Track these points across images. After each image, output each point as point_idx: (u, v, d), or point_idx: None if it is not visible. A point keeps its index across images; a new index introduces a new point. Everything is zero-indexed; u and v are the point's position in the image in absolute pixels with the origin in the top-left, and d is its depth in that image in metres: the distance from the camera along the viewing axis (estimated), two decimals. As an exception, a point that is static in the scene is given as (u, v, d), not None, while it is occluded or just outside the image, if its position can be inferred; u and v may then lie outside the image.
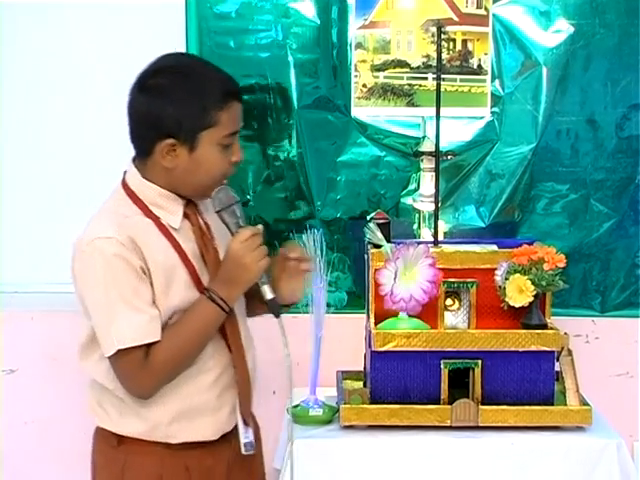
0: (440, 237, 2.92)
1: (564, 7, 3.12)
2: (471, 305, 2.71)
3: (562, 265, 2.66)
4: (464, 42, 3.12)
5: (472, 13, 3.12)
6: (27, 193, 3.24)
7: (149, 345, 2.27)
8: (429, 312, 2.68)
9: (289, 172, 3.17)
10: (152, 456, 2.36)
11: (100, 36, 3.17)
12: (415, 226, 3.13)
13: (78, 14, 3.17)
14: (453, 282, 2.70)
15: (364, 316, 2.80)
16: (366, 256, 2.76)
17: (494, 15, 3.12)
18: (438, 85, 2.86)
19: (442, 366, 2.64)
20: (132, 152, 2.31)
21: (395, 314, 2.67)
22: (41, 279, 2.98)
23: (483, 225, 3.18)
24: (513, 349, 2.64)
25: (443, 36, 2.97)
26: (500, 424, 2.64)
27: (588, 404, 2.68)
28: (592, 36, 3.13)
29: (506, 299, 2.65)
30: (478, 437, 2.63)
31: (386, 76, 3.13)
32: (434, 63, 2.96)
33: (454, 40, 3.12)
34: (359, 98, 3.14)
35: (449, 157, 3.03)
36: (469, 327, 2.71)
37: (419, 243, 2.70)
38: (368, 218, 2.83)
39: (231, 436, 2.40)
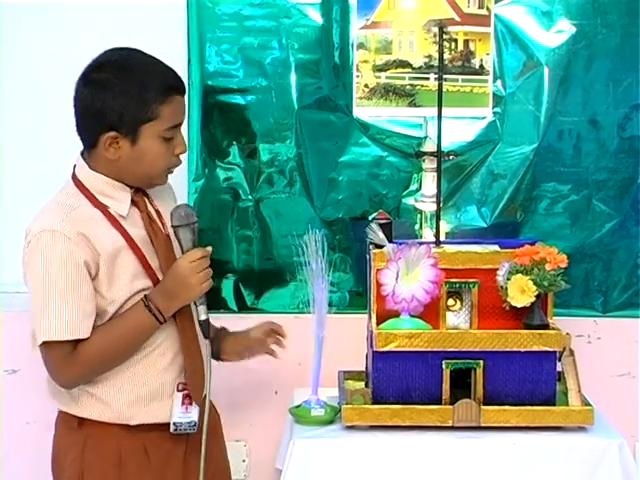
0: (442, 237, 2.91)
1: (566, 7, 3.12)
2: (473, 305, 2.71)
3: (564, 265, 2.66)
4: (466, 42, 3.12)
5: (474, 13, 3.11)
6: (29, 193, 3.24)
7: (78, 340, 2.38)
8: (431, 312, 2.68)
9: (290, 172, 3.17)
10: (111, 437, 2.47)
11: (101, 36, 3.15)
12: (417, 226, 3.13)
13: (79, 14, 3.16)
14: (455, 282, 2.70)
15: (366, 316, 2.80)
16: (368, 256, 2.76)
17: (496, 15, 3.12)
18: (440, 85, 2.86)
19: (444, 366, 2.64)
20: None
21: (397, 314, 2.67)
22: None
23: (485, 225, 3.18)
24: (515, 349, 2.64)
25: (445, 36, 2.97)
26: (502, 424, 2.64)
27: (590, 404, 2.68)
28: (594, 36, 3.13)
29: (508, 299, 2.65)
30: (480, 437, 2.63)
31: (388, 76, 3.13)
32: (436, 63, 2.96)
33: (456, 40, 3.12)
34: (361, 98, 3.14)
35: (451, 157, 3.03)
36: (471, 327, 2.71)
37: (421, 243, 2.71)
38: (370, 218, 2.84)
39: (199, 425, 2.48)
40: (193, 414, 2.49)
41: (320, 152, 3.16)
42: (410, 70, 3.12)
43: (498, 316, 2.70)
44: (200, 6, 3.12)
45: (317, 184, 3.17)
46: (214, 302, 2.82)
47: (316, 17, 3.13)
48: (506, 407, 2.64)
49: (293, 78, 3.14)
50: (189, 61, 3.13)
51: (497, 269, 2.68)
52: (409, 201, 3.16)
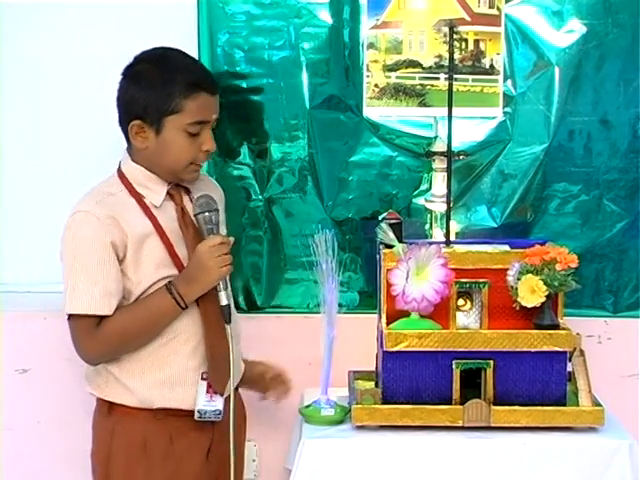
0: (452, 237, 2.91)
1: (577, 7, 3.11)
2: (483, 305, 2.71)
3: (574, 265, 2.65)
4: (476, 42, 3.12)
5: (484, 13, 3.11)
6: (29, 193, 3.24)
7: (103, 318, 2.50)
8: (441, 312, 2.68)
9: (300, 172, 3.17)
10: (137, 423, 2.57)
11: (111, 36, 3.17)
12: (427, 226, 3.12)
13: (88, 14, 3.17)
14: (465, 282, 2.70)
15: (376, 316, 2.80)
16: (378, 256, 2.76)
17: (506, 15, 3.12)
18: (450, 85, 2.85)
19: (454, 366, 2.64)
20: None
21: (407, 314, 2.67)
22: (54, 279, 2.97)
23: (495, 225, 3.17)
24: (525, 349, 2.63)
25: (455, 36, 2.97)
26: (512, 424, 2.63)
27: (600, 405, 2.68)
28: (605, 36, 3.12)
29: (518, 299, 2.65)
30: (490, 437, 2.63)
31: (398, 76, 3.13)
32: (446, 63, 2.96)
33: (466, 40, 3.11)
34: (371, 98, 3.14)
35: (461, 157, 3.03)
36: (481, 327, 2.71)
37: (431, 243, 2.71)
38: (380, 218, 2.83)
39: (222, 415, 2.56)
40: (218, 403, 2.56)
41: (330, 152, 3.16)
42: (420, 70, 3.12)
43: (508, 316, 2.70)
44: (210, 6, 3.12)
45: (327, 184, 3.17)
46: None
47: (326, 17, 3.13)
48: (516, 407, 2.64)
49: (303, 78, 3.14)
50: (200, 61, 3.13)
51: (507, 269, 2.67)
52: (419, 201, 3.16)
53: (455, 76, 2.92)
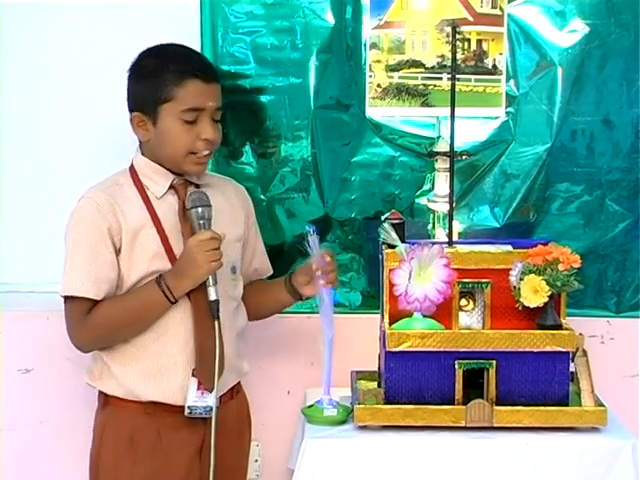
0: (455, 237, 2.91)
1: (579, 7, 3.11)
2: (486, 305, 2.71)
3: (577, 265, 2.65)
4: (479, 42, 3.12)
5: (487, 13, 3.11)
6: (29, 193, 3.24)
7: (96, 303, 2.54)
8: (443, 312, 2.68)
9: (303, 172, 3.17)
10: (126, 415, 2.59)
11: (113, 36, 3.17)
12: (429, 226, 3.12)
13: (89, 14, 3.17)
14: (467, 282, 2.70)
15: (378, 316, 2.80)
16: (380, 256, 2.76)
17: (509, 15, 3.12)
18: (453, 85, 2.85)
19: (456, 366, 2.64)
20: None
21: (409, 314, 2.67)
22: (56, 279, 2.97)
23: (498, 225, 3.17)
24: (528, 350, 2.63)
25: (458, 36, 2.97)
26: (515, 425, 2.63)
27: (603, 405, 2.68)
28: (608, 36, 3.12)
29: (521, 299, 2.64)
30: (493, 437, 2.63)
31: (401, 76, 3.13)
32: (449, 63, 2.96)
33: (469, 40, 3.11)
34: (374, 98, 3.14)
35: (464, 157, 3.02)
36: (483, 327, 2.71)
37: (433, 243, 2.70)
38: (382, 218, 2.83)
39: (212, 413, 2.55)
40: (209, 399, 2.55)
41: (333, 152, 3.17)
42: (423, 70, 3.12)
43: (511, 316, 2.70)
44: (213, 6, 3.13)
45: (330, 184, 3.17)
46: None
47: (329, 17, 3.13)
48: (519, 407, 2.64)
49: (306, 78, 3.14)
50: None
51: (510, 269, 2.67)
52: (422, 201, 3.16)
53: (458, 76, 2.92)
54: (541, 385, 2.66)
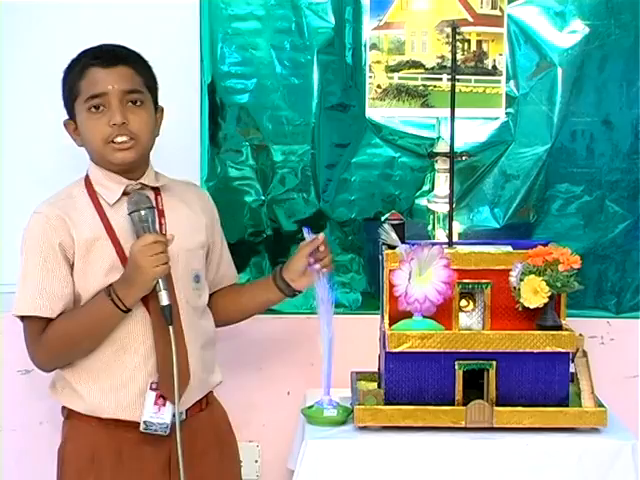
0: (454, 238, 2.91)
1: (579, 8, 3.11)
2: (485, 306, 2.71)
3: (577, 266, 2.65)
4: (479, 43, 3.12)
5: (487, 14, 3.11)
6: (29, 193, 3.22)
7: (50, 321, 2.47)
8: (443, 313, 2.68)
9: (303, 173, 3.17)
10: (86, 431, 2.53)
11: (111, 36, 3.15)
12: (429, 227, 3.12)
13: (91, 14, 3.16)
14: (467, 283, 2.70)
15: (378, 317, 2.80)
16: (380, 257, 2.76)
17: (509, 16, 3.12)
18: (453, 86, 2.85)
19: (456, 367, 2.64)
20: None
21: (409, 315, 2.67)
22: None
23: (498, 226, 3.17)
24: (528, 350, 2.63)
25: (458, 37, 2.97)
26: (515, 425, 2.63)
27: (603, 405, 2.68)
28: (607, 37, 3.12)
29: (521, 300, 2.64)
30: (493, 438, 2.63)
31: (401, 77, 3.13)
32: (449, 64, 2.96)
33: (469, 41, 3.11)
34: (373, 99, 3.14)
35: (464, 158, 3.02)
36: (483, 328, 2.71)
37: (433, 244, 2.70)
38: (382, 219, 2.83)
39: (182, 426, 2.47)
40: (166, 416, 2.47)
41: (333, 153, 3.16)
42: (423, 71, 3.12)
43: (511, 317, 2.70)
44: (212, 7, 3.12)
45: (330, 185, 3.17)
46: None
47: (329, 17, 3.12)
48: (519, 408, 2.64)
49: (306, 79, 3.14)
50: (201, 61, 3.13)
51: (510, 270, 2.67)
52: (422, 202, 3.16)
53: (458, 77, 2.92)
54: (541, 386, 2.66)
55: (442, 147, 3.01)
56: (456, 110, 2.85)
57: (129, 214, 2.48)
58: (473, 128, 3.14)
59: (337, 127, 3.16)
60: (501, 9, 3.11)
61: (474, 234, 3.14)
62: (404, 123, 3.15)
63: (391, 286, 2.66)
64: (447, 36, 3.05)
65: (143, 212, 2.46)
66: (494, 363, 2.64)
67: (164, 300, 2.45)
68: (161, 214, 2.56)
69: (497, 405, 2.64)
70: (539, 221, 3.18)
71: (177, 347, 2.44)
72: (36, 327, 2.50)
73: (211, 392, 2.68)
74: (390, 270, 2.67)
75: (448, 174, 2.91)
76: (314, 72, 3.14)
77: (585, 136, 3.16)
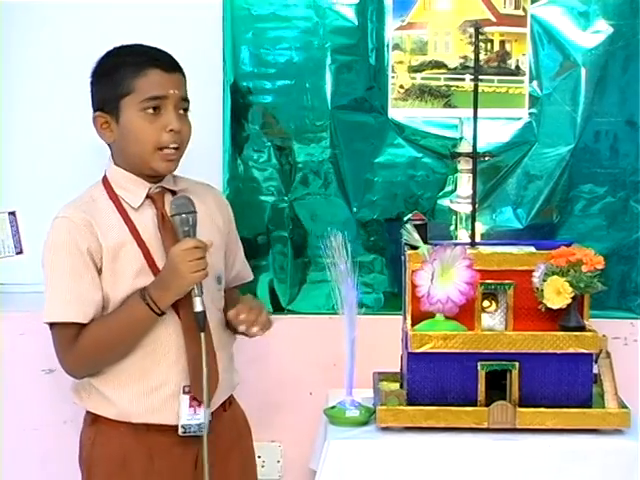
0: (477, 238, 2.90)
1: (603, 7, 3.10)
2: (508, 307, 2.70)
3: (600, 267, 2.64)
4: (502, 43, 3.11)
5: (510, 14, 3.10)
6: (28, 194, 3.25)
7: (84, 327, 2.43)
8: (466, 314, 2.67)
9: (325, 173, 3.17)
10: (116, 437, 2.50)
11: (136, 36, 3.17)
12: (452, 227, 3.12)
13: (114, 13, 3.18)
14: (490, 284, 2.69)
15: (401, 317, 2.79)
16: (403, 257, 2.76)
17: (532, 16, 3.11)
18: (476, 86, 2.85)
19: (479, 368, 2.64)
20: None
21: (432, 315, 2.66)
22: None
23: (520, 226, 3.17)
24: (551, 351, 2.62)
25: (481, 37, 2.96)
26: (537, 426, 2.62)
27: (627, 407, 2.67)
28: (632, 37, 3.11)
29: (544, 301, 2.64)
30: (515, 439, 2.62)
31: (423, 77, 3.12)
32: (471, 64, 2.96)
33: (492, 41, 3.11)
34: (396, 99, 3.14)
35: (486, 158, 3.02)
36: (506, 329, 2.70)
37: (456, 244, 2.70)
38: (405, 219, 2.83)
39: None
40: (201, 416, 2.47)
41: (355, 153, 3.17)
42: (445, 71, 3.12)
43: (534, 318, 2.69)
44: (235, 7, 3.13)
45: (352, 185, 3.17)
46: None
47: (352, 18, 3.13)
48: (542, 409, 2.63)
49: (328, 79, 3.14)
50: (224, 62, 3.14)
51: (533, 270, 2.66)
52: (444, 202, 3.16)
53: (480, 77, 2.91)
54: (564, 387, 2.65)
55: (465, 147, 3.01)
56: (479, 110, 2.84)
57: (171, 216, 2.45)
58: (496, 128, 3.13)
59: (360, 127, 3.16)
60: (524, 9, 3.10)
61: (497, 234, 3.13)
62: (427, 123, 3.15)
63: (413, 286, 2.66)
64: (470, 36, 3.05)
65: (185, 215, 2.43)
66: (517, 364, 2.64)
67: (198, 306, 2.43)
68: None
69: (520, 406, 2.63)
70: (562, 222, 3.17)
71: (207, 351, 2.43)
72: (68, 334, 2.45)
73: (231, 394, 2.68)
74: (413, 271, 2.67)
75: (471, 174, 2.91)
76: (337, 72, 3.14)
77: (609, 136, 3.15)
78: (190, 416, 2.47)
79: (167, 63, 2.50)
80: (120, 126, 2.47)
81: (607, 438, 2.63)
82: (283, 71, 3.14)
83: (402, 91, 3.13)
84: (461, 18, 3.09)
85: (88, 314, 2.44)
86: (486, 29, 3.05)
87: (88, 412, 2.57)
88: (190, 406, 2.47)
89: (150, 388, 2.48)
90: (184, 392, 2.48)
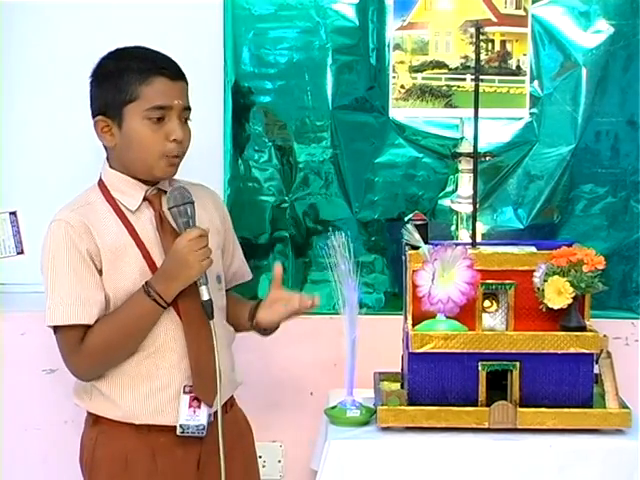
0: (478, 238, 2.90)
1: (604, 7, 3.10)
2: (509, 307, 2.70)
3: (601, 267, 2.64)
4: (503, 43, 3.11)
5: (511, 14, 3.11)
6: (28, 194, 3.25)
7: (89, 328, 2.42)
8: (467, 314, 2.67)
9: (326, 173, 3.17)
10: (119, 438, 2.50)
11: (136, 37, 3.17)
12: (453, 227, 3.12)
13: (112, 14, 3.18)
14: (491, 284, 2.69)
15: (402, 317, 2.79)
16: (404, 257, 2.75)
17: (533, 16, 3.11)
18: (476, 86, 2.85)
19: (480, 368, 2.64)
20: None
21: (433, 315, 2.66)
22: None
23: (521, 227, 3.17)
24: (552, 351, 2.62)
25: (482, 37, 2.96)
26: (538, 426, 2.62)
27: (627, 407, 2.67)
28: (632, 36, 3.11)
29: (544, 301, 2.64)
30: (516, 439, 2.62)
31: (424, 77, 3.13)
32: (472, 64, 2.96)
33: (493, 41, 3.11)
34: (397, 99, 3.14)
35: (487, 158, 3.02)
36: (507, 329, 2.70)
37: (457, 244, 2.70)
38: (406, 219, 2.83)
39: (208, 428, 2.47)
40: (202, 417, 2.47)
41: (356, 153, 3.17)
42: (446, 71, 3.12)
43: (534, 318, 2.69)
44: (236, 7, 3.13)
45: (353, 185, 3.17)
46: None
47: (352, 18, 3.13)
48: (543, 409, 2.63)
49: (329, 79, 3.15)
50: (225, 62, 3.14)
51: (534, 270, 2.66)
52: (445, 202, 3.16)
53: (481, 77, 2.91)
54: (565, 387, 2.65)
55: (466, 147, 3.01)
56: (480, 110, 2.84)
57: (169, 208, 2.45)
58: (497, 128, 3.13)
59: (361, 128, 3.16)
60: (525, 9, 3.11)
61: (497, 235, 3.13)
62: (427, 123, 3.15)
63: (414, 287, 2.66)
64: (471, 36, 3.05)
65: (183, 207, 2.44)
66: (518, 364, 2.63)
67: (205, 295, 2.43)
68: None
69: (521, 406, 2.63)
70: (563, 222, 3.17)
71: (211, 345, 2.43)
72: (74, 336, 2.44)
73: (232, 395, 2.67)
74: (413, 271, 2.67)
75: (472, 174, 2.91)
76: (337, 72, 3.14)
77: (609, 136, 3.15)
78: (189, 416, 2.46)
79: (172, 71, 2.49)
80: (122, 132, 2.46)
81: (608, 438, 2.63)
82: (284, 71, 3.14)
83: (403, 91, 3.13)
84: (462, 18, 3.10)
85: (93, 315, 2.43)
86: (487, 29, 3.06)
87: (90, 413, 2.56)
88: (190, 406, 2.47)
89: (154, 389, 2.48)
90: (184, 392, 2.48)
